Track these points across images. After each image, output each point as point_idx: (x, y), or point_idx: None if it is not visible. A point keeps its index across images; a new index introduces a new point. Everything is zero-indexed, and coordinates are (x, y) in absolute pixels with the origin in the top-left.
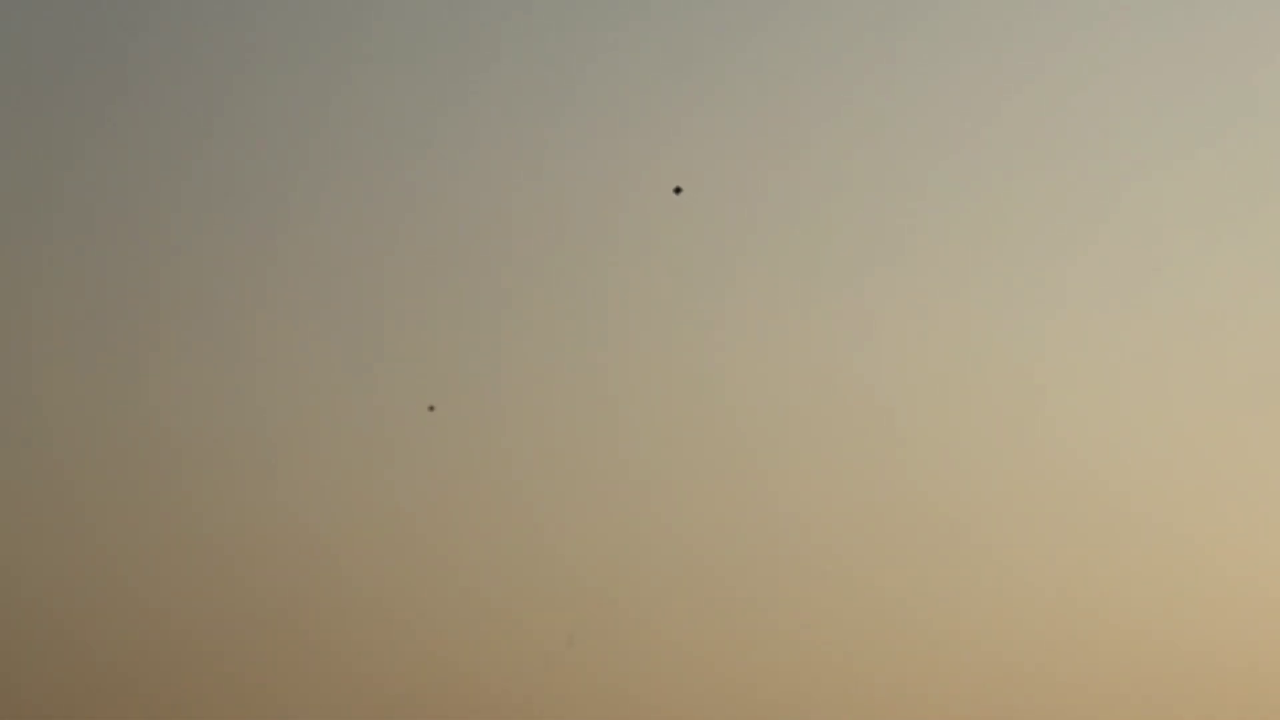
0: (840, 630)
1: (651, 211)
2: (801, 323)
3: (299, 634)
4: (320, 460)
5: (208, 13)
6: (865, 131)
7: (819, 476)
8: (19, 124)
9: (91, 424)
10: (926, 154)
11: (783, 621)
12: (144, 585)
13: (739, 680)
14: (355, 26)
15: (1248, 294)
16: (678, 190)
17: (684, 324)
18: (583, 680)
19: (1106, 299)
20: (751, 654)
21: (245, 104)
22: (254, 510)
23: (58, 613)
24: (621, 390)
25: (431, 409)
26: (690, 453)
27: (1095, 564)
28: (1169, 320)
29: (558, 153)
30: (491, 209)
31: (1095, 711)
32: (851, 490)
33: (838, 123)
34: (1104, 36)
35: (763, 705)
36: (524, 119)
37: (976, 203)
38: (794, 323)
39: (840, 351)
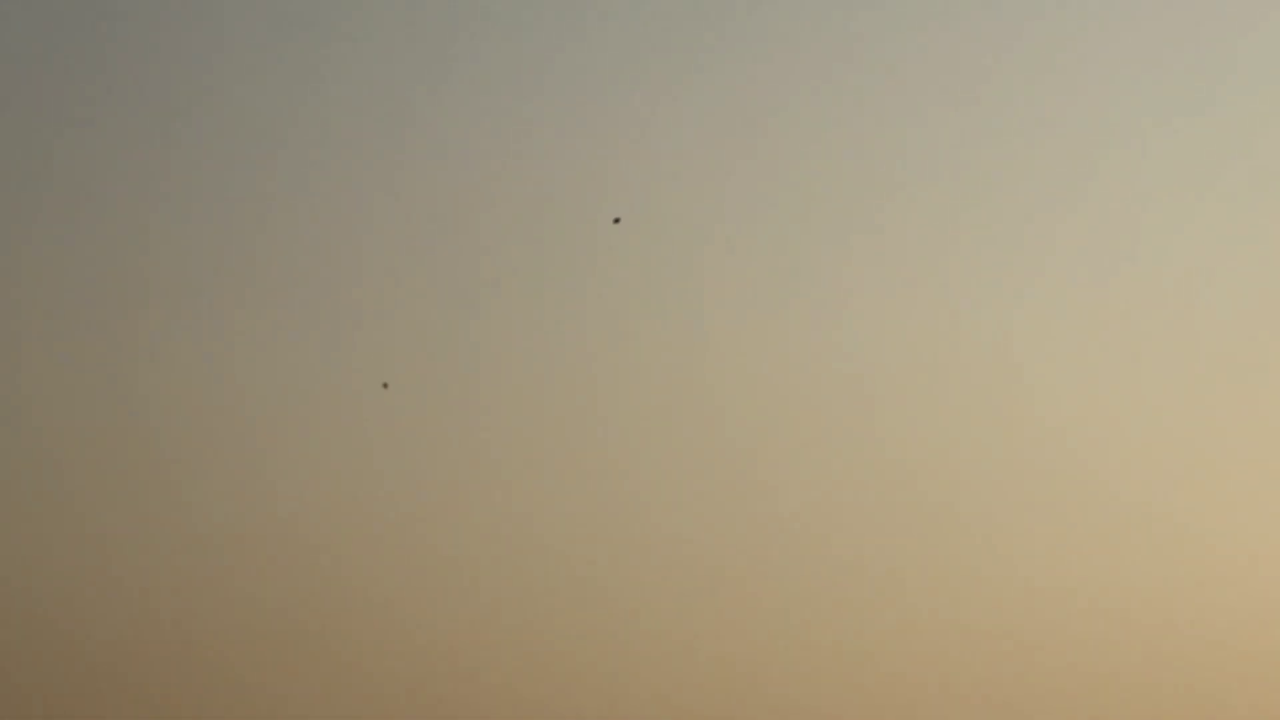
0: (821, 604)
1: (625, 202)
2: (767, 284)
3: (265, 605)
4: (291, 439)
5: None
6: (833, 106)
7: (779, 436)
8: None
9: (62, 397)
10: (898, 133)
11: (751, 585)
12: (116, 559)
13: (701, 645)
14: (316, 25)
15: (1224, 268)
16: (616, 220)
17: (655, 300)
18: (543, 638)
19: (1081, 274)
20: (720, 618)
21: (214, 100)
22: (225, 482)
23: (30, 586)
24: (587, 365)
25: (385, 386)
26: (662, 430)
27: (1079, 540)
28: (1145, 292)
29: (526, 136)
30: (464, 195)
31: (1084, 686)
32: (824, 462)
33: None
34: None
35: (727, 675)
36: (489, 110)
37: (954, 183)
38: (757, 277)
39: (814, 329)
